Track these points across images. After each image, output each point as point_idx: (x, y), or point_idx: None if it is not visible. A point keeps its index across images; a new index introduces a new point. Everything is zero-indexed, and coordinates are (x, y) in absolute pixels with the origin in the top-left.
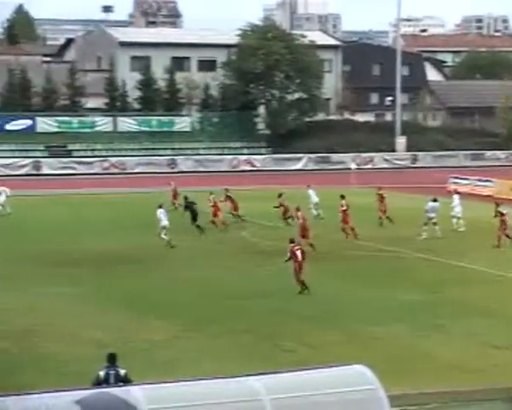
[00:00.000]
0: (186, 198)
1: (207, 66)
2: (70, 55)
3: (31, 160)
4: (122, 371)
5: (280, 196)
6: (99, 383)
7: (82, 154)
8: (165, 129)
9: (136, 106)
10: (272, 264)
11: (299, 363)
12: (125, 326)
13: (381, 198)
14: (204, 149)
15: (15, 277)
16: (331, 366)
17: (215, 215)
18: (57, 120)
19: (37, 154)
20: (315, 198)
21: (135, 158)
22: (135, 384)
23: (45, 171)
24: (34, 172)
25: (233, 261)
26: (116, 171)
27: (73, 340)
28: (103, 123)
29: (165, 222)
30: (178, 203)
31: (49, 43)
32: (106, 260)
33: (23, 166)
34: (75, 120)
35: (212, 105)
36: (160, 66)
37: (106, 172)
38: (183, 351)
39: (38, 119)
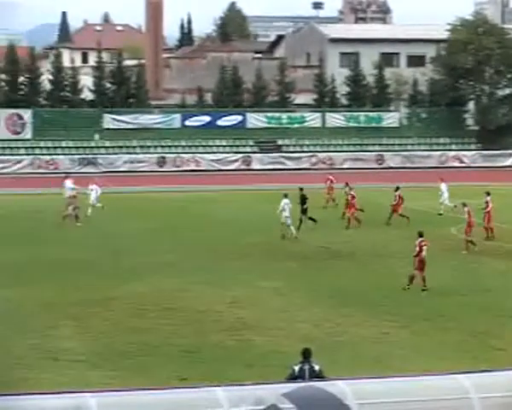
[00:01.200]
0: (301, 189)
1: (416, 61)
2: (280, 51)
3: (241, 155)
4: (317, 367)
5: (397, 189)
6: (294, 377)
7: (291, 149)
8: (374, 125)
9: (345, 102)
10: (477, 262)
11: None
12: (332, 321)
13: None
14: (412, 144)
15: (225, 271)
16: None
17: (349, 210)
18: (267, 115)
19: (248, 149)
20: (446, 193)
21: (342, 154)
22: (342, 379)
23: (255, 166)
24: (244, 166)
25: (441, 258)
26: (324, 166)
27: (280, 333)
28: (312, 119)
29: (287, 213)
30: (332, 198)
31: (259, 40)
32: (314, 254)
33: (234, 161)
34: (284, 115)
35: (421, 101)
36: (368, 61)
37: (314, 167)
38: (391, 347)
39: (249, 114)
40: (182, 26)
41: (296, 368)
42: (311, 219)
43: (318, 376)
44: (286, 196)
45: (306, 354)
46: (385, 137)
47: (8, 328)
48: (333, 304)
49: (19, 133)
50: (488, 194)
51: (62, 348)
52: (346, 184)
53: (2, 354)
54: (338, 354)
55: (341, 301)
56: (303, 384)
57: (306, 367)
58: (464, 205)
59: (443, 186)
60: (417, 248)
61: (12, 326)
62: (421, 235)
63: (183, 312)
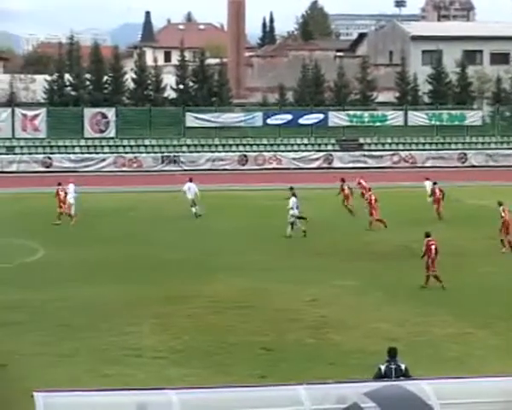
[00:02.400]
0: (292, 188)
1: (500, 59)
2: (362, 49)
3: (323, 153)
4: (403, 366)
5: (434, 184)
6: (380, 377)
7: (372, 147)
8: (456, 123)
9: (427, 100)
10: None
11: None
12: (412, 320)
13: None
14: (495, 143)
15: (304, 269)
16: None
17: (370, 214)
18: (348, 114)
19: (329, 147)
20: (429, 191)
21: (425, 152)
22: (425, 378)
23: (336, 164)
24: (326, 165)
25: None
26: (406, 165)
27: (360, 332)
28: (394, 117)
29: (295, 211)
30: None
31: (342, 38)
32: (394, 252)
33: (315, 159)
34: (366, 113)
35: (505, 99)
36: (451, 59)
37: (396, 166)
38: (472, 347)
39: (330, 113)
40: (264, 25)
41: (383, 367)
42: (300, 217)
43: (405, 375)
44: (294, 194)
45: (392, 353)
46: (468, 135)
47: (94, 324)
48: (414, 303)
49: (103, 132)
50: None
51: (145, 345)
52: (369, 189)
53: (87, 350)
54: (418, 354)
55: (423, 301)
56: (385, 383)
57: (393, 366)
58: (500, 204)
59: (427, 184)
60: (424, 248)
61: (99, 322)
62: (428, 235)
63: (263, 310)
